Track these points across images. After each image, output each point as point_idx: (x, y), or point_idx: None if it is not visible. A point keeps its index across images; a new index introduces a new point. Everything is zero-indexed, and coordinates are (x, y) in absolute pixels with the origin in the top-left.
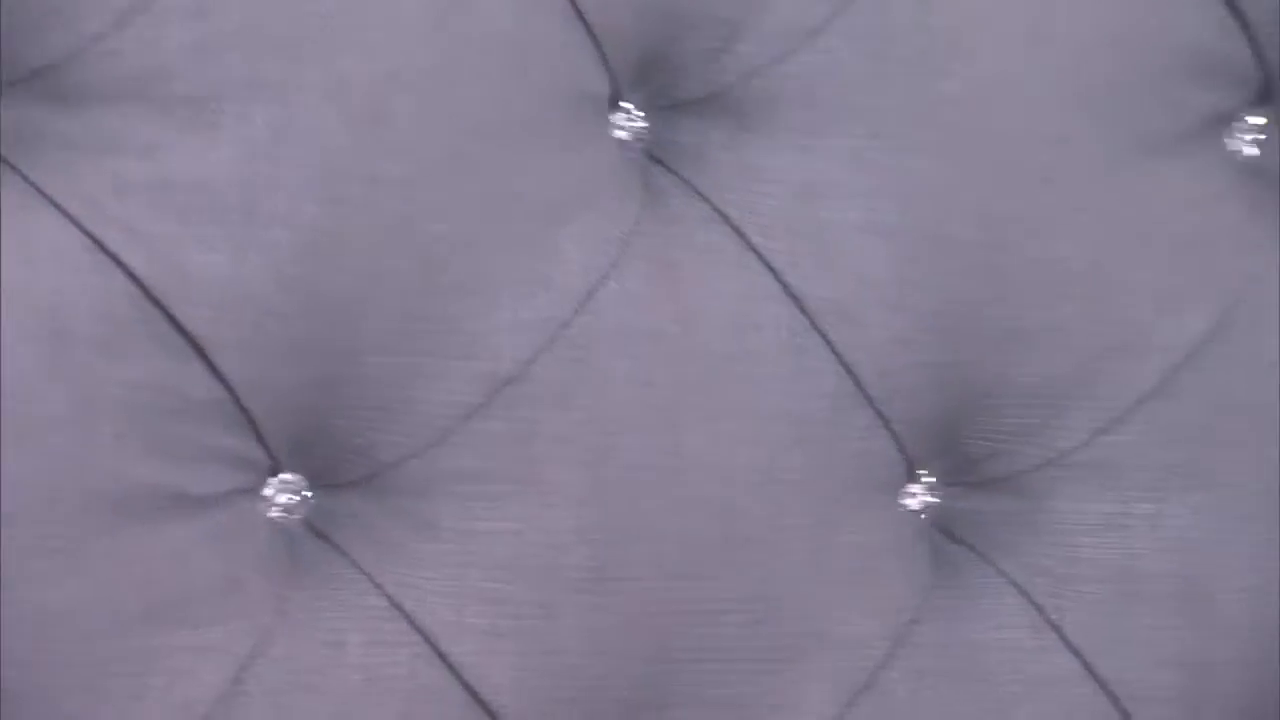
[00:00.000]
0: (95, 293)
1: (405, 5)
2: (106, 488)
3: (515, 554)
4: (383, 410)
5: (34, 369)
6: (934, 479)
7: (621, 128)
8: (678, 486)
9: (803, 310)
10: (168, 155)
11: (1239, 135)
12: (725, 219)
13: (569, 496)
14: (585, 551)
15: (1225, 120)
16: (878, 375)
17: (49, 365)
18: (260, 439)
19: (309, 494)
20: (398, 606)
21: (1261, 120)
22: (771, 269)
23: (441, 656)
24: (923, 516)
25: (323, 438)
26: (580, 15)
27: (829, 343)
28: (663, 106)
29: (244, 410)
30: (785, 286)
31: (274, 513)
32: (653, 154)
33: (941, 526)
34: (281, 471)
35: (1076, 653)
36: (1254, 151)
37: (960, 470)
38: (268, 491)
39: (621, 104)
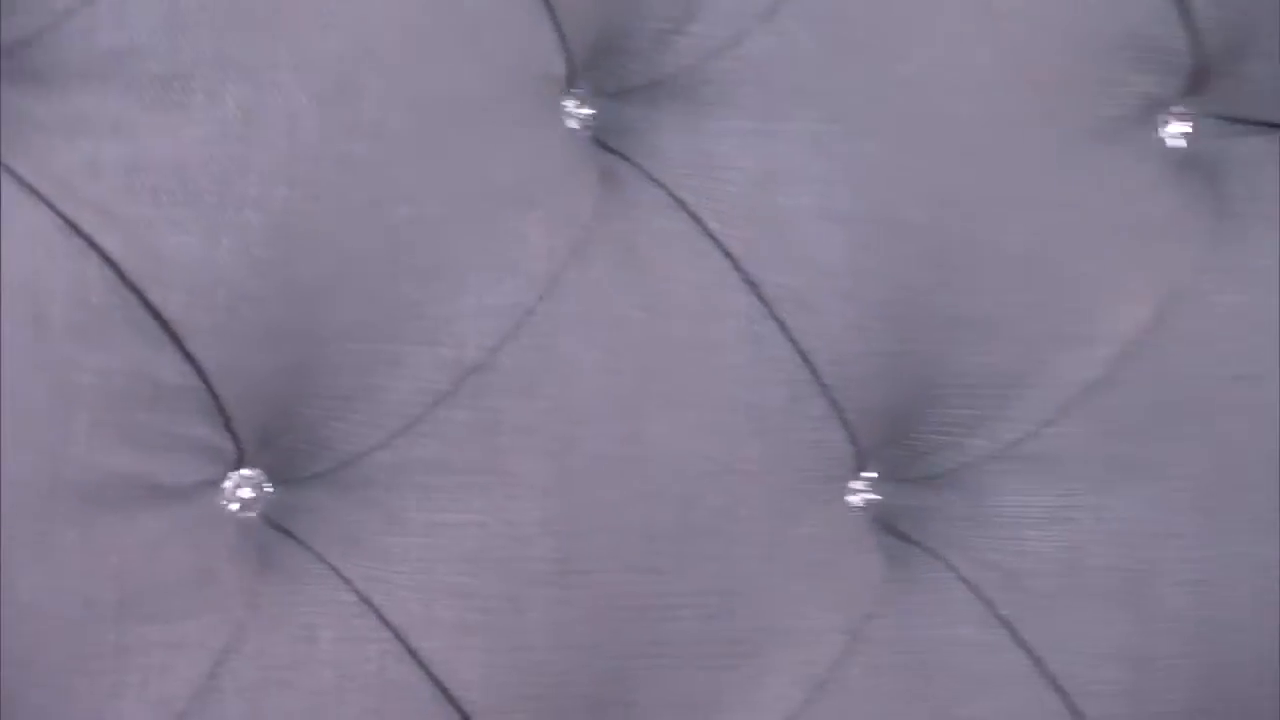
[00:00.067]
0: (71, 277)
1: None
2: (81, 477)
3: (481, 546)
4: (349, 399)
5: (14, 357)
6: (876, 475)
7: (571, 114)
8: (639, 477)
9: (760, 298)
10: (140, 135)
11: (1168, 124)
12: (682, 205)
13: (534, 487)
14: (550, 543)
15: (1161, 107)
16: (833, 364)
17: (29, 353)
18: (229, 428)
19: (268, 488)
20: (367, 601)
21: (1183, 111)
22: (729, 256)
23: (411, 652)
24: (866, 513)
25: (290, 428)
26: None
27: (786, 330)
28: (616, 90)
29: (215, 398)
30: (743, 274)
31: (234, 506)
32: (601, 140)
33: (888, 522)
34: (246, 463)
35: (1026, 649)
36: (1180, 143)
37: (908, 462)
38: (227, 485)
39: (572, 90)
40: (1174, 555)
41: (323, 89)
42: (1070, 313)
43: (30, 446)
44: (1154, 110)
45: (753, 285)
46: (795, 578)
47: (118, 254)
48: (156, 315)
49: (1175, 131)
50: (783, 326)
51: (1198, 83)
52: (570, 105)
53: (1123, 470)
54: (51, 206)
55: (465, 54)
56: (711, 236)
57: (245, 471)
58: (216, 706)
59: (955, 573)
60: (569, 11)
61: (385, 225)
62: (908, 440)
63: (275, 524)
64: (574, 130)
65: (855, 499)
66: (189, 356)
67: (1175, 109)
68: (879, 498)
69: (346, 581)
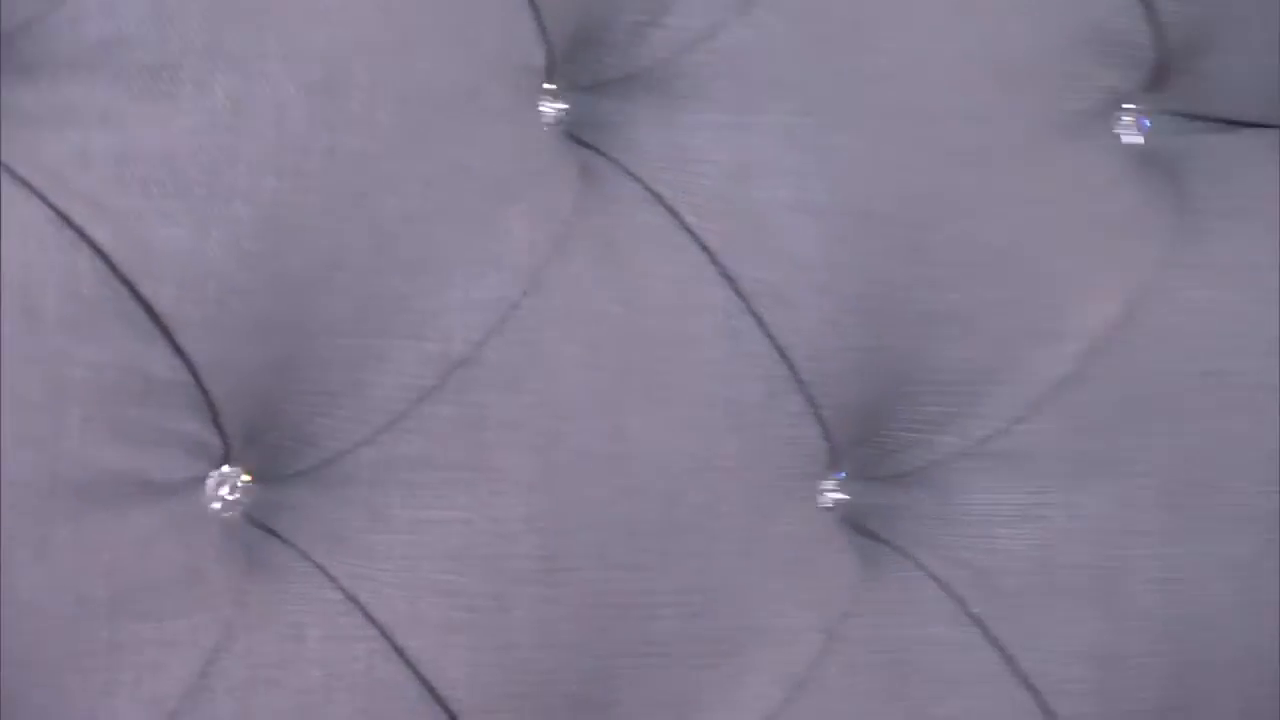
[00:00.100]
0: (62, 270)
1: None
2: (75, 474)
3: (466, 543)
4: (335, 395)
5: (8, 351)
6: (846, 473)
7: (548, 108)
8: (621, 474)
9: (737, 292)
10: (129, 125)
11: (1123, 120)
12: (659, 199)
13: (519, 483)
14: (535, 540)
15: (1124, 103)
16: (810, 359)
17: (23, 347)
18: (216, 423)
19: (248, 485)
20: (353, 599)
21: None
22: (706, 249)
23: (398, 651)
24: (837, 512)
25: (275, 425)
26: None
27: (763, 325)
28: (592, 84)
29: (205, 392)
30: (720, 268)
31: (215, 505)
32: (576, 134)
33: (858, 520)
34: (231, 460)
35: (998, 647)
36: (1136, 139)
37: (878, 460)
38: (209, 482)
39: (545, 85)
40: (1143, 553)
41: (311, 80)
42: (1041, 308)
43: (28, 443)
44: (1118, 105)
45: (730, 279)
46: (773, 576)
47: (109, 246)
48: (148, 308)
49: (1130, 126)
50: (760, 321)
51: (1159, 78)
52: (548, 98)
53: (1092, 467)
54: (43, 199)
55: (451, 46)
56: (689, 230)
57: (225, 469)
58: (208, 705)
59: (926, 571)
60: (550, 3)
61: (372, 218)
62: (878, 438)
63: (258, 522)
64: (552, 124)
65: (827, 497)
66: (179, 350)
67: (1136, 105)
68: (848, 496)
69: (332, 580)
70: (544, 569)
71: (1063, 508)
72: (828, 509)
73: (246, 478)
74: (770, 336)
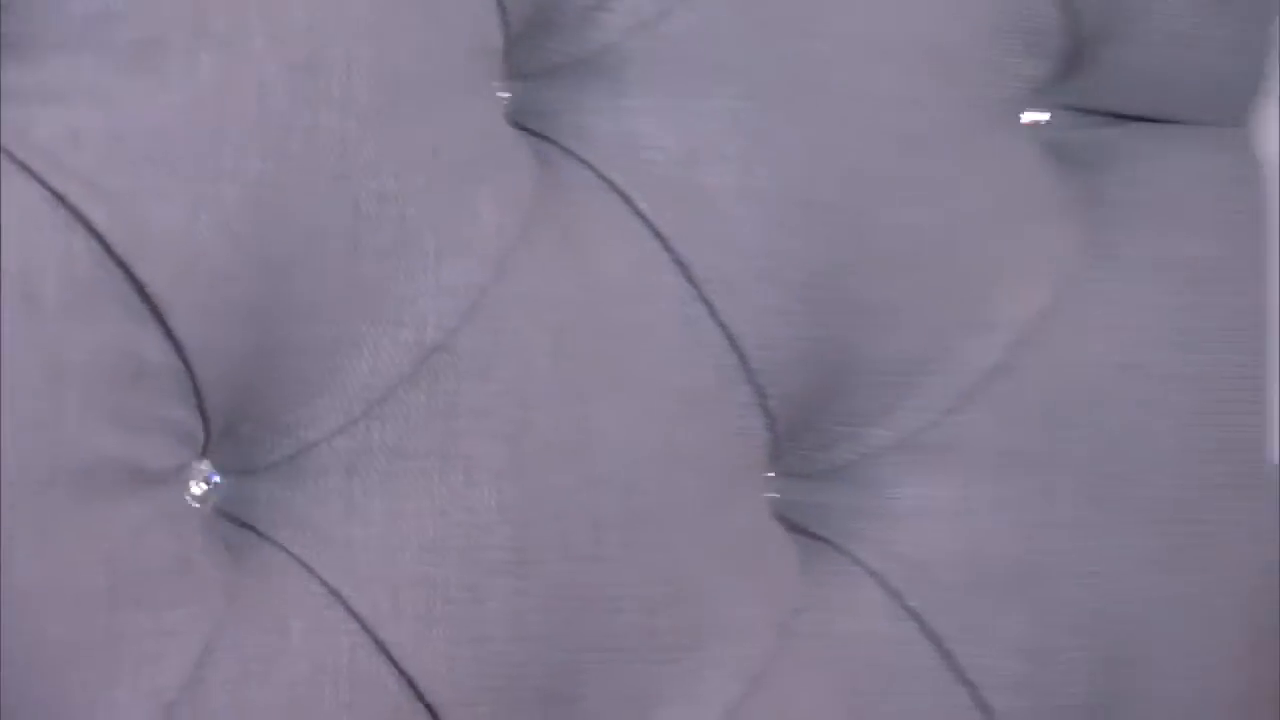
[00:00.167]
0: (60, 252)
1: None
2: (72, 460)
3: (442, 534)
4: (313, 382)
5: (9, 336)
6: (781, 467)
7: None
8: (585, 463)
9: (690, 279)
10: (117, 102)
11: (1031, 111)
12: (612, 186)
13: (489, 470)
14: (507, 531)
15: (1041, 92)
16: (761, 349)
17: (22, 332)
18: (201, 409)
19: (217, 480)
20: (335, 593)
21: (1055, 98)
22: (659, 236)
23: (379, 644)
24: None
25: (250, 415)
26: None
27: (715, 313)
28: (541, 70)
29: (193, 377)
30: (673, 254)
31: (189, 497)
32: (523, 122)
33: (794, 516)
34: (209, 451)
35: (935, 640)
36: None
37: (815, 454)
38: (190, 474)
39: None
40: (1067, 547)
41: (293, 58)
42: (973, 297)
43: (28, 429)
44: (1037, 94)
45: (682, 266)
46: (729, 570)
47: (103, 226)
48: (141, 290)
49: (1037, 118)
50: (711, 309)
51: (1073, 68)
52: (505, 82)
53: (1018, 460)
54: (40, 180)
55: (425, 27)
56: (642, 216)
57: (199, 465)
58: (203, 698)
59: (863, 566)
60: None
61: (352, 199)
62: (814, 432)
63: (232, 516)
64: (509, 109)
65: (767, 491)
66: (169, 333)
67: (1050, 96)
68: (780, 494)
69: (313, 572)
70: (515, 560)
71: (990, 501)
72: (774, 500)
73: (215, 473)
74: (722, 325)
